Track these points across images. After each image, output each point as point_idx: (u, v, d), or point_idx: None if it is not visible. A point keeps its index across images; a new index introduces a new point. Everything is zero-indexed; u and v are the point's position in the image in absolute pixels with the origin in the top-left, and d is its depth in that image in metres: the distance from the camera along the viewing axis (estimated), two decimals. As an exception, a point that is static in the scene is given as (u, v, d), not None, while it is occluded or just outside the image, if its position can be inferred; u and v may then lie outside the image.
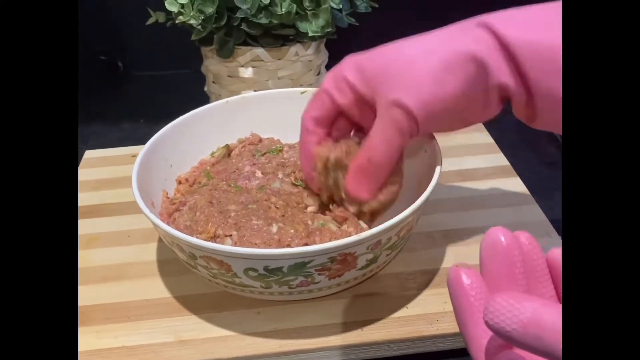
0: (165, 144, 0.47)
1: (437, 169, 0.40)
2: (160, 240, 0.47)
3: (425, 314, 0.40)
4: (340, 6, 0.55)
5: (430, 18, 0.74)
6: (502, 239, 0.26)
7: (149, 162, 0.44)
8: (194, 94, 0.67)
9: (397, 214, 0.36)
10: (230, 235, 0.40)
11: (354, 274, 0.38)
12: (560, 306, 0.22)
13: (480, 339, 0.25)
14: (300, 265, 0.35)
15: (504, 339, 0.22)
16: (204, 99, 0.63)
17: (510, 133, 0.63)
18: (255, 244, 0.39)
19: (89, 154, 0.59)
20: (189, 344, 0.38)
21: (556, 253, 0.27)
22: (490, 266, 0.26)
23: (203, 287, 0.42)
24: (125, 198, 0.52)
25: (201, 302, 0.41)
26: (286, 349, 0.38)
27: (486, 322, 0.22)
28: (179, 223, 0.42)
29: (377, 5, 0.58)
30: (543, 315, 0.21)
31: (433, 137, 0.43)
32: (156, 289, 0.43)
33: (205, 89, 0.63)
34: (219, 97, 0.59)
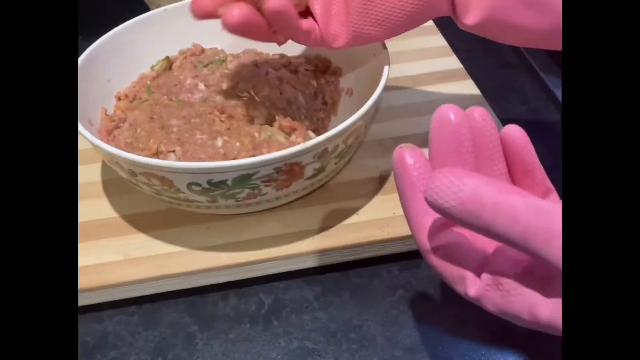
0: (101, 59, 0.44)
1: (385, 69, 0.39)
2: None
3: (376, 220, 0.40)
4: None
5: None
6: (452, 116, 0.26)
7: (85, 78, 0.42)
8: (132, 4, 0.62)
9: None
10: (174, 151, 0.39)
11: (302, 184, 0.38)
12: (501, 184, 0.22)
13: (422, 218, 0.25)
14: (245, 178, 0.34)
15: (443, 215, 0.22)
16: (144, 9, 0.60)
17: (466, 35, 0.62)
18: (200, 158, 0.38)
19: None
20: (138, 261, 0.38)
21: (510, 129, 0.27)
22: (438, 144, 0.26)
23: (150, 204, 0.41)
24: (65, 118, 0.49)
25: (149, 220, 0.41)
26: (237, 261, 0.38)
27: (426, 199, 0.22)
28: (119, 140, 0.41)
29: None
30: (482, 192, 0.21)
31: (382, 42, 0.42)
32: (102, 209, 0.42)
33: (145, -2, 0.59)
34: (159, 6, 0.55)
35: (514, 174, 0.27)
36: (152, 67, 0.47)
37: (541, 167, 0.27)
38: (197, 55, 0.47)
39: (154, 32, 0.47)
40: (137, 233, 0.40)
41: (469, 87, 0.51)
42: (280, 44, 0.38)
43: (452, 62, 0.54)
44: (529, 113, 0.52)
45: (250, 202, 0.37)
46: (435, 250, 0.25)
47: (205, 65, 0.45)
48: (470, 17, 0.33)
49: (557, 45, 0.32)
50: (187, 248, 0.39)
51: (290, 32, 0.35)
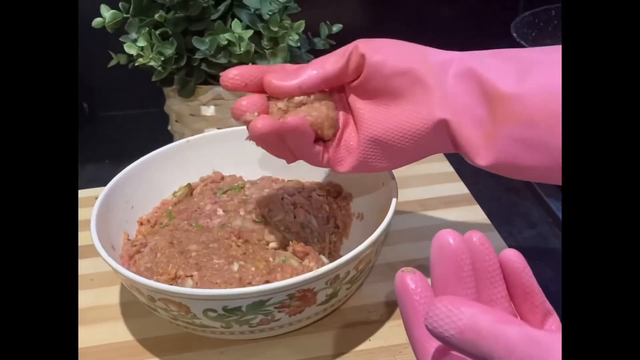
0: (126, 186, 0.47)
1: (393, 202, 0.41)
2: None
3: (388, 346, 0.40)
4: (299, 44, 0.56)
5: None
6: (451, 240, 0.27)
7: (109, 204, 0.44)
8: (158, 134, 0.67)
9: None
10: (191, 276, 0.41)
11: (314, 310, 0.38)
12: (499, 312, 0.23)
13: (424, 343, 0.26)
14: (259, 304, 0.36)
15: (443, 343, 0.23)
16: (168, 138, 0.64)
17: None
18: (216, 283, 0.40)
19: (52, 197, 0.58)
20: (151, 387, 0.38)
21: (507, 253, 0.28)
22: (438, 268, 0.27)
23: (166, 328, 0.42)
24: (88, 241, 0.51)
25: (164, 344, 0.41)
26: (250, 388, 0.38)
27: (426, 327, 0.23)
28: (139, 265, 0.42)
29: (334, 43, 0.60)
30: (479, 321, 0.22)
31: (391, 172, 0.44)
32: (119, 332, 0.42)
33: (169, 128, 0.63)
34: (182, 136, 0.59)
35: (514, 297, 0.28)
36: (174, 193, 0.50)
37: (540, 290, 0.28)
38: (217, 182, 0.50)
39: (176, 161, 0.50)
40: (152, 358, 0.40)
41: (475, 212, 0.53)
42: (289, 162, 0.40)
43: (459, 188, 0.56)
44: (535, 237, 0.54)
45: (264, 328, 0.38)
46: None
47: (224, 192, 0.48)
48: (481, 160, 0.35)
49: (559, 180, 0.34)
50: (200, 374, 0.39)
51: (303, 150, 0.38)
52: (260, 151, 0.52)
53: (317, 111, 0.37)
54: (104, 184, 0.53)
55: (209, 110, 0.58)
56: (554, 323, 0.28)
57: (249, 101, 0.36)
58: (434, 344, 0.26)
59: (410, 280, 0.26)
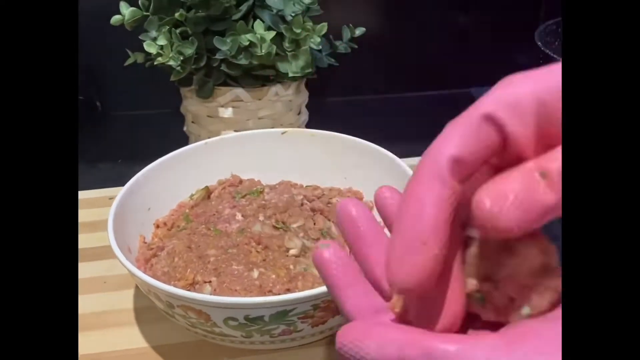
0: (143, 188, 0.46)
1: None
2: (137, 286, 0.45)
3: None
4: (320, 47, 0.55)
5: (406, 61, 0.76)
6: (353, 211, 0.25)
7: (126, 206, 0.43)
8: (172, 134, 0.66)
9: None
10: (210, 282, 0.39)
11: (337, 321, 0.37)
12: (402, 332, 0.21)
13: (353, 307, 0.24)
14: (282, 314, 0.34)
15: None
16: (183, 139, 0.63)
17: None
18: (236, 290, 0.38)
19: (64, 197, 0.57)
20: (166, 397, 0.37)
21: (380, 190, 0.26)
22: (348, 236, 0.25)
23: (181, 335, 0.41)
24: (102, 242, 0.50)
25: (179, 352, 0.40)
26: (268, 401, 0.36)
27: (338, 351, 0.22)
28: (156, 269, 0.41)
29: (355, 46, 0.59)
30: (386, 353, 0.21)
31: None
32: (133, 338, 0.41)
33: (185, 129, 0.62)
34: (198, 137, 0.58)
35: None
36: (191, 196, 0.49)
37: None
38: (235, 186, 0.49)
39: (194, 163, 0.49)
40: (167, 366, 0.39)
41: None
42: None
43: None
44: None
45: (285, 339, 0.37)
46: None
47: (243, 196, 0.47)
48: None
49: None
50: (217, 384, 0.38)
51: None
52: (279, 155, 0.51)
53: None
54: (117, 184, 0.52)
55: (227, 112, 0.57)
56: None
57: None
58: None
59: (326, 253, 0.24)
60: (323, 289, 0.34)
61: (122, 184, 0.44)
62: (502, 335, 0.20)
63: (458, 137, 0.21)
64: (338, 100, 0.76)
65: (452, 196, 0.20)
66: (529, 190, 0.19)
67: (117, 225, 0.41)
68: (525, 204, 0.19)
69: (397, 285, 0.20)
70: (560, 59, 0.29)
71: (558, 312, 0.20)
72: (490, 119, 0.21)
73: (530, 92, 0.21)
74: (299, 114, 0.61)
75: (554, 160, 0.20)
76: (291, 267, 0.40)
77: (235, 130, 0.57)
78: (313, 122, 0.62)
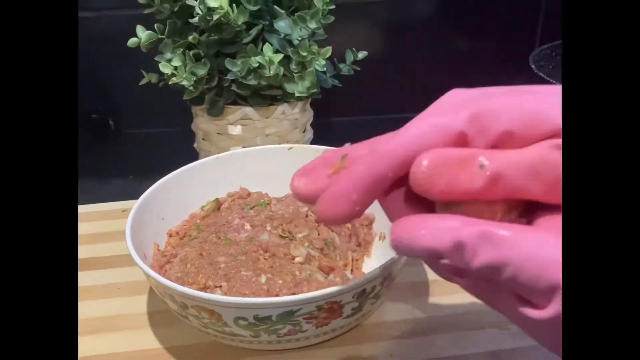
0: (158, 198, 0.48)
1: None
2: (150, 292, 0.48)
3: (410, 362, 0.41)
4: (325, 69, 0.58)
5: (405, 83, 0.79)
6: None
7: (142, 215, 0.46)
8: (182, 151, 0.69)
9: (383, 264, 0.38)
10: (220, 286, 0.42)
11: (340, 323, 0.40)
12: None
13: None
14: (288, 314, 0.37)
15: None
16: (193, 156, 0.66)
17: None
18: (245, 294, 0.41)
19: (80, 209, 0.60)
20: (178, 394, 0.39)
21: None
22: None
23: (192, 337, 0.43)
24: (115, 252, 0.53)
25: (191, 353, 0.42)
26: (274, 398, 0.39)
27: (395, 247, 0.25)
28: (170, 275, 0.44)
29: (358, 69, 0.62)
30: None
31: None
32: (146, 340, 0.44)
33: (195, 145, 0.65)
34: (208, 154, 0.61)
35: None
36: (202, 207, 0.51)
37: None
38: (244, 198, 0.52)
39: (205, 177, 0.52)
40: (179, 365, 0.41)
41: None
42: None
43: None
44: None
45: (290, 339, 0.39)
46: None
47: (252, 207, 0.50)
48: None
49: None
50: (226, 382, 0.40)
51: None
52: (286, 170, 0.54)
53: None
54: (129, 197, 0.55)
55: (236, 130, 0.60)
56: None
57: None
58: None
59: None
60: (327, 291, 0.36)
61: (135, 198, 0.47)
62: (545, 227, 0.23)
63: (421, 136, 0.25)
64: (341, 120, 0.80)
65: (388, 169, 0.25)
66: (463, 169, 0.23)
67: (133, 233, 0.43)
68: (452, 179, 0.23)
69: (322, 220, 0.27)
70: (551, 83, 0.32)
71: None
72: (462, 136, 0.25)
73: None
74: (304, 131, 0.64)
75: (499, 160, 0.23)
76: (297, 273, 0.43)
77: (244, 147, 0.60)
78: (317, 140, 0.65)
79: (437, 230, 0.23)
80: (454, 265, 0.25)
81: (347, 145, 0.29)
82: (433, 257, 0.26)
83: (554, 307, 0.22)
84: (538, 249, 0.22)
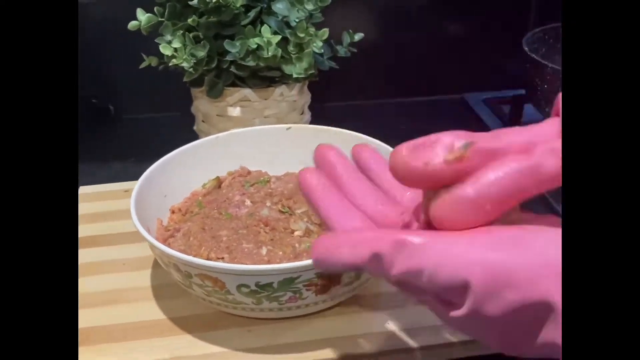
0: (160, 177, 0.50)
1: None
2: (154, 266, 0.49)
3: (405, 329, 0.42)
4: (322, 51, 0.60)
5: (401, 66, 0.80)
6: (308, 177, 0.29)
7: (145, 192, 0.47)
8: (182, 135, 0.70)
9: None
10: (222, 258, 0.43)
11: (339, 290, 0.41)
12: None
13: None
14: (289, 281, 0.38)
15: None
16: (193, 139, 0.66)
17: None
18: (247, 265, 0.42)
19: (83, 190, 0.61)
20: (184, 360, 0.41)
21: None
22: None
23: (196, 308, 0.45)
24: (119, 229, 0.54)
25: (195, 322, 0.44)
26: (276, 363, 0.40)
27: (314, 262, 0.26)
28: (173, 248, 0.45)
29: (355, 50, 0.63)
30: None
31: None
32: (151, 311, 0.45)
33: (195, 128, 0.67)
34: (208, 136, 0.62)
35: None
36: (203, 185, 0.53)
37: None
38: (244, 176, 0.53)
39: (206, 156, 0.53)
40: (183, 334, 0.43)
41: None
42: None
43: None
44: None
45: (291, 306, 0.41)
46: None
47: (252, 185, 0.51)
48: None
49: None
50: (229, 349, 0.41)
51: None
52: (284, 149, 0.55)
53: None
54: (130, 179, 0.56)
55: (235, 111, 0.61)
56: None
57: None
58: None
59: (314, 179, 0.29)
60: (326, 258, 0.38)
61: (135, 180, 0.48)
62: (460, 232, 0.24)
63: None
64: (338, 102, 0.81)
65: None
66: (434, 159, 0.23)
67: (137, 209, 0.44)
68: (427, 168, 0.23)
69: (438, 222, 0.24)
70: (544, 64, 0.32)
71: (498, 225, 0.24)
72: None
73: None
74: (302, 113, 0.65)
75: (469, 183, 0.23)
76: (296, 245, 0.44)
77: (243, 128, 0.61)
78: (315, 122, 0.66)
79: (354, 244, 0.25)
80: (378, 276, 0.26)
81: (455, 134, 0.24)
82: (356, 270, 0.26)
83: (468, 305, 0.23)
84: (448, 253, 0.23)
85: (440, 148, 0.23)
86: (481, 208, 0.23)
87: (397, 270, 0.24)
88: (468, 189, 0.23)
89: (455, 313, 0.24)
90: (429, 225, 0.25)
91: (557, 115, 0.24)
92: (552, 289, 0.22)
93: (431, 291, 0.24)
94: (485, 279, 0.22)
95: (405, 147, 0.24)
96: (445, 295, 0.24)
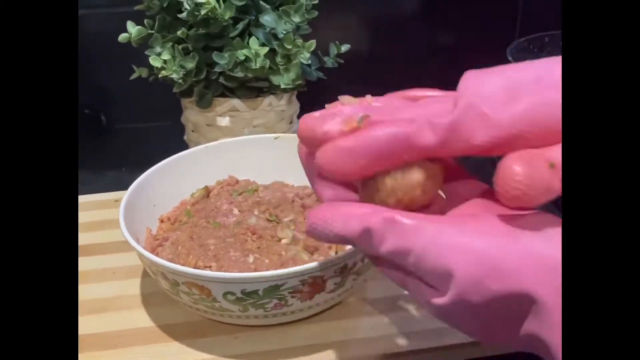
0: (149, 187, 0.50)
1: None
2: (143, 275, 0.50)
3: (388, 335, 0.43)
4: (310, 62, 0.61)
5: (388, 75, 0.81)
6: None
7: (134, 201, 0.48)
8: (172, 144, 0.71)
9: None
10: (210, 267, 0.44)
11: (324, 297, 0.42)
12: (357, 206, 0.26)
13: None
14: (274, 288, 0.39)
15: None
16: (183, 148, 0.67)
17: (485, 170, 0.69)
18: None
19: (74, 200, 0.62)
20: (171, 367, 0.41)
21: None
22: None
23: (184, 316, 0.45)
24: (109, 239, 0.55)
25: (183, 330, 0.44)
26: (262, 369, 0.41)
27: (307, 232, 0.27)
28: (162, 257, 0.46)
29: (342, 61, 0.64)
30: (349, 224, 0.26)
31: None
32: (141, 319, 0.46)
33: (185, 137, 0.68)
34: (197, 145, 0.63)
35: None
36: (192, 195, 0.53)
37: None
38: (232, 185, 0.54)
39: (195, 165, 0.54)
40: (172, 341, 0.43)
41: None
42: None
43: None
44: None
45: (277, 313, 0.41)
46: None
47: (240, 194, 0.52)
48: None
49: None
50: (216, 355, 0.42)
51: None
52: (273, 158, 0.56)
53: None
54: (122, 189, 0.57)
55: (224, 121, 0.62)
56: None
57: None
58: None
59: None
60: (310, 265, 0.39)
61: (127, 189, 0.49)
62: (449, 217, 0.25)
63: None
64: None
65: None
66: (333, 128, 0.27)
67: (126, 219, 0.45)
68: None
69: (321, 167, 0.27)
70: None
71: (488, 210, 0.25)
72: None
73: None
74: (290, 123, 0.66)
75: (351, 137, 0.26)
76: (283, 253, 0.45)
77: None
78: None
79: (347, 217, 0.25)
80: (366, 251, 0.27)
81: (368, 97, 0.29)
82: (347, 243, 0.27)
83: (451, 293, 0.24)
84: (437, 237, 0.24)
85: (340, 118, 0.27)
86: (356, 161, 0.26)
87: (386, 248, 0.24)
88: (347, 141, 0.26)
89: (437, 300, 0.24)
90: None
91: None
92: (536, 282, 0.22)
93: (416, 274, 0.25)
94: (469, 267, 0.23)
95: (315, 114, 0.27)
96: (429, 279, 0.24)
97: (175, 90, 0.60)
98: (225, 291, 0.39)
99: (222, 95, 0.61)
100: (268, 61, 0.58)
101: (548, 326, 0.22)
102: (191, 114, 0.64)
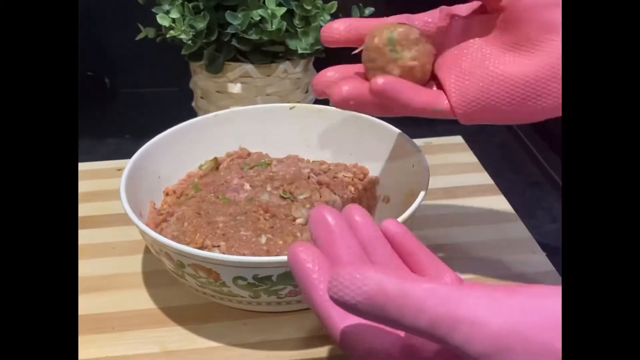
0: (154, 156, 0.46)
1: (425, 184, 0.41)
2: (145, 251, 0.46)
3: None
4: (329, 26, 0.56)
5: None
6: (329, 218, 0.28)
7: (137, 173, 0.44)
8: (180, 111, 0.67)
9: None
10: (219, 246, 0.40)
11: (342, 285, 0.38)
12: (402, 272, 0.23)
13: (328, 306, 0.25)
14: (290, 274, 0.35)
15: (349, 311, 0.22)
16: (191, 116, 0.63)
17: (493, 154, 0.65)
18: (244, 254, 0.39)
19: (73, 167, 0.58)
20: (174, 355, 0.38)
21: (388, 224, 0.30)
22: (323, 242, 0.28)
23: (189, 298, 0.42)
24: (110, 210, 0.51)
25: (187, 313, 0.41)
26: (273, 360, 0.37)
27: (331, 297, 0.22)
28: (166, 233, 0.42)
29: (364, 26, 0.60)
30: (385, 284, 0.21)
31: (421, 152, 0.44)
32: (141, 300, 0.42)
33: (193, 104, 0.63)
34: (207, 113, 0.59)
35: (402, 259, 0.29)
36: (200, 167, 0.49)
37: (425, 248, 0.29)
38: (243, 158, 0.50)
39: (204, 135, 0.50)
40: (175, 326, 0.40)
41: (500, 202, 0.52)
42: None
43: (484, 178, 0.56)
44: (558, 231, 0.53)
45: (291, 300, 0.38)
46: (346, 334, 0.25)
47: (251, 167, 0.48)
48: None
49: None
50: (223, 344, 0.39)
51: (402, 109, 0.35)
52: (287, 130, 0.52)
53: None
54: (125, 157, 0.53)
55: (236, 88, 0.58)
56: (454, 281, 0.29)
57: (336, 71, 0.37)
58: (336, 312, 0.25)
59: (304, 253, 0.26)
60: (330, 251, 0.35)
61: (130, 158, 0.45)
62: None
63: None
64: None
65: None
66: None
67: (128, 191, 0.41)
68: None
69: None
70: None
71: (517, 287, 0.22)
72: None
73: None
74: (306, 92, 0.61)
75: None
76: (298, 234, 0.41)
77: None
78: (319, 102, 0.62)
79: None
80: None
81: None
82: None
83: None
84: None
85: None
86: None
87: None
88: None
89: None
90: None
91: None
92: None
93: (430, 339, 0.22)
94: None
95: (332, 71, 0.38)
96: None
97: (184, 52, 0.56)
98: (236, 276, 0.35)
99: (234, 59, 0.57)
100: (285, 23, 0.53)
101: None
102: (200, 79, 0.59)
